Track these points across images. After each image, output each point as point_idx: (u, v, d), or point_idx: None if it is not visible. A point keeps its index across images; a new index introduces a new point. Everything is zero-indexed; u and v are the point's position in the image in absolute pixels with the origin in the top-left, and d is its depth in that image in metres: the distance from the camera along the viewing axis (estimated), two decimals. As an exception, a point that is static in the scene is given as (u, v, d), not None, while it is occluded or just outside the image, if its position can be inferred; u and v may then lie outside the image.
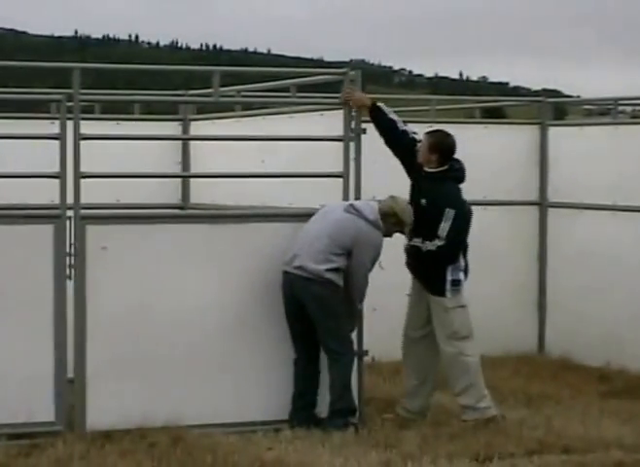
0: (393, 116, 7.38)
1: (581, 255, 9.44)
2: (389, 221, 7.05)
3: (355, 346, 7.19)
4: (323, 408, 7.08)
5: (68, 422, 6.72)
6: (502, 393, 8.03)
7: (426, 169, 7.25)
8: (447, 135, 7.30)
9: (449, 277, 7.19)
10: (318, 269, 6.88)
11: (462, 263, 7.25)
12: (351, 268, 6.94)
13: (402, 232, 7.14)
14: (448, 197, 7.20)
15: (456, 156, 7.39)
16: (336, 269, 6.92)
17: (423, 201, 7.19)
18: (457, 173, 7.30)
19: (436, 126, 9.37)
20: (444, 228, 7.14)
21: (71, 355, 6.76)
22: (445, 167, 7.24)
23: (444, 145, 7.25)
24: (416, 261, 7.24)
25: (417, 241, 7.17)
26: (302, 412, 7.03)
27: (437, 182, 7.21)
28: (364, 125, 7.30)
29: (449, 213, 7.13)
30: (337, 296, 6.95)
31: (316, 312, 6.93)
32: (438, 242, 7.12)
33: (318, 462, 6.14)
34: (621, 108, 10.14)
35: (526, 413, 7.42)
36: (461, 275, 7.24)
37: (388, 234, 7.13)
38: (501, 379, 8.55)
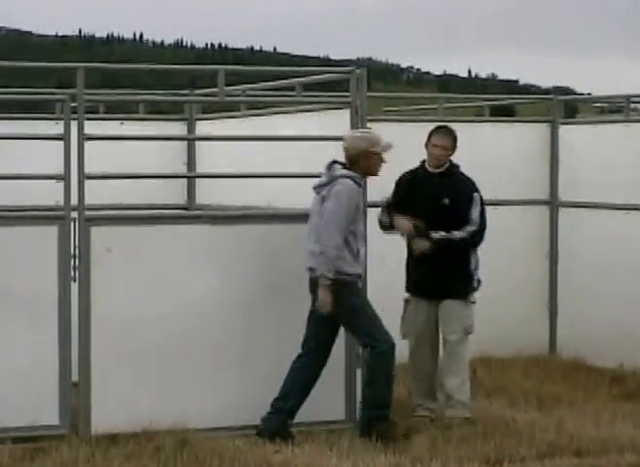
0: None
1: (592, 254, 9.35)
2: (359, 160, 6.72)
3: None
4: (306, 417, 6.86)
5: (73, 425, 6.68)
6: (513, 394, 7.97)
7: (436, 170, 7.25)
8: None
9: (476, 277, 7.28)
10: None
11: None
12: None
13: (378, 156, 6.76)
14: (471, 183, 7.25)
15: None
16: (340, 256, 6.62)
17: (446, 200, 7.19)
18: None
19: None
20: (475, 213, 7.20)
21: (76, 358, 6.70)
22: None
23: (456, 139, 7.27)
24: (436, 261, 7.13)
25: (443, 234, 7.12)
26: (274, 416, 6.76)
27: (451, 177, 7.24)
28: (368, 125, 7.23)
29: (477, 197, 7.21)
30: (347, 288, 6.67)
31: (333, 312, 6.71)
32: (470, 228, 7.15)
33: (326, 466, 6.08)
34: (633, 105, 10.04)
35: (538, 416, 7.34)
36: (480, 274, 7.30)
37: (370, 171, 6.82)
38: (512, 381, 8.48)
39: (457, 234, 7.14)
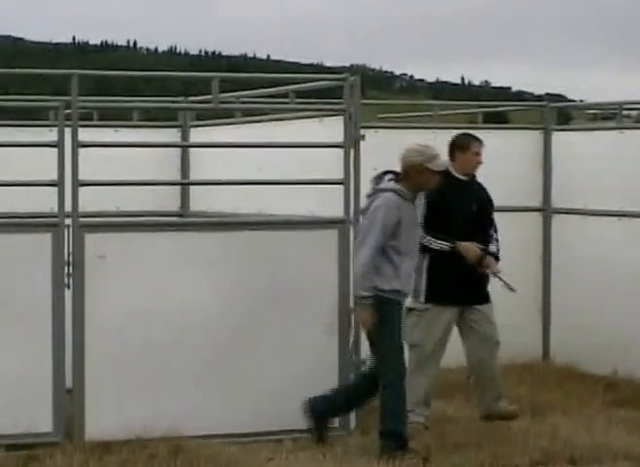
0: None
1: (586, 261, 9.34)
2: (413, 173, 6.54)
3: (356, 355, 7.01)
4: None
5: (67, 433, 6.66)
6: (506, 402, 7.94)
7: (467, 177, 7.31)
8: None
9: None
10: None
11: None
12: None
13: (431, 172, 6.55)
14: (487, 191, 7.38)
15: None
16: (376, 272, 6.50)
17: (474, 207, 7.26)
18: None
19: (438, 132, 9.35)
20: (494, 216, 7.41)
21: (69, 365, 6.69)
22: None
23: None
24: (469, 268, 7.17)
25: (495, 245, 7.32)
26: (317, 405, 6.75)
27: (475, 184, 7.35)
28: (363, 132, 7.23)
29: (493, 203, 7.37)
30: (383, 305, 6.48)
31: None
32: (494, 233, 7.37)
33: (320, 473, 6.08)
34: (625, 112, 10.05)
35: (532, 423, 7.33)
36: None
37: (421, 187, 6.63)
38: (505, 388, 8.41)
39: (498, 241, 7.34)
